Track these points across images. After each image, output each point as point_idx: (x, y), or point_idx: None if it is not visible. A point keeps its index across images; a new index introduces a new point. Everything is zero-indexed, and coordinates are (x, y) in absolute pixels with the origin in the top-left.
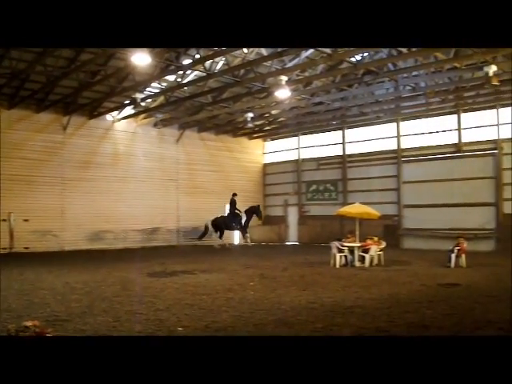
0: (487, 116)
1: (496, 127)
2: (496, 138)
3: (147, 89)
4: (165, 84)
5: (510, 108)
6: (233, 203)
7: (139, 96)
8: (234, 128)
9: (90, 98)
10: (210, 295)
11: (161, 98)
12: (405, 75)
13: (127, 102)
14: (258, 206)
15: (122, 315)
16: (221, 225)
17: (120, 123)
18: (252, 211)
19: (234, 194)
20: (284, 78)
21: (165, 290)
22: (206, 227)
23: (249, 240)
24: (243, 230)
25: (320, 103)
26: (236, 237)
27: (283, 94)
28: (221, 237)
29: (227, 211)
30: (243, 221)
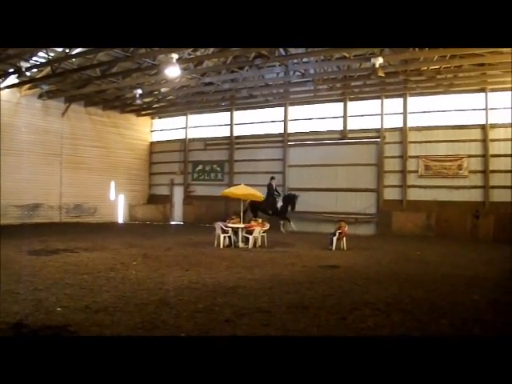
0: (372, 106)
1: (380, 117)
2: (379, 127)
3: (33, 58)
4: (52, 54)
5: (393, 99)
6: (270, 187)
7: (24, 65)
8: (122, 104)
9: None
10: (92, 274)
11: (47, 69)
12: (295, 61)
13: (11, 70)
14: (296, 196)
15: None
16: (257, 208)
17: (2, 92)
18: (289, 200)
19: (272, 178)
20: (175, 56)
21: (44, 269)
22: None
23: (290, 227)
24: (280, 215)
25: (210, 83)
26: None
27: (173, 72)
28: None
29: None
30: (279, 205)
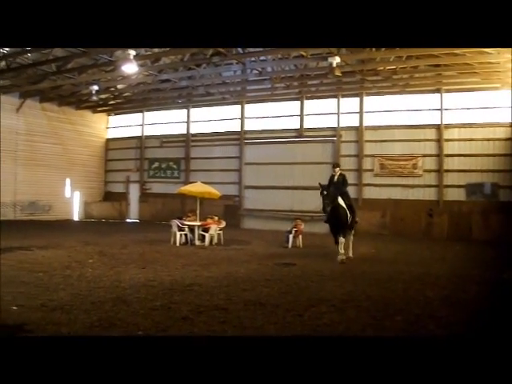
0: (329, 105)
1: (336, 116)
2: (336, 126)
3: None
4: (7, 48)
5: (350, 98)
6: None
7: None
8: (78, 100)
9: None
10: (47, 272)
11: (2, 63)
12: (252, 59)
13: None
14: None
15: None
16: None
17: None
18: None
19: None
20: (132, 53)
21: None
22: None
23: None
24: None
25: (167, 80)
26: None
27: (130, 68)
28: None
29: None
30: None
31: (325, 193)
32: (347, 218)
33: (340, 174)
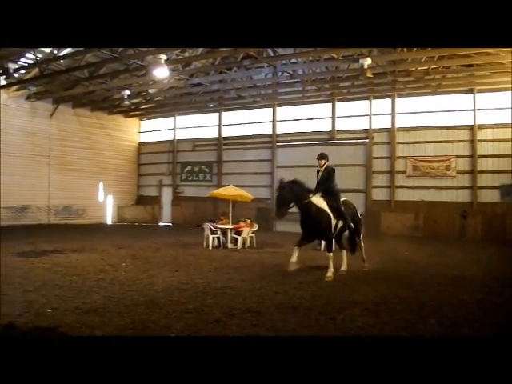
0: (360, 106)
1: (368, 117)
2: (367, 127)
3: (21, 59)
4: (40, 55)
5: (381, 100)
6: None
7: (12, 66)
8: (110, 105)
9: None
10: (81, 276)
11: (35, 70)
12: (283, 62)
13: None
14: None
15: None
16: None
17: None
18: None
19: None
20: (163, 57)
21: (34, 271)
22: None
23: None
24: None
25: (198, 84)
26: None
27: (162, 73)
28: None
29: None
30: None
31: (276, 194)
32: (329, 224)
33: (325, 169)
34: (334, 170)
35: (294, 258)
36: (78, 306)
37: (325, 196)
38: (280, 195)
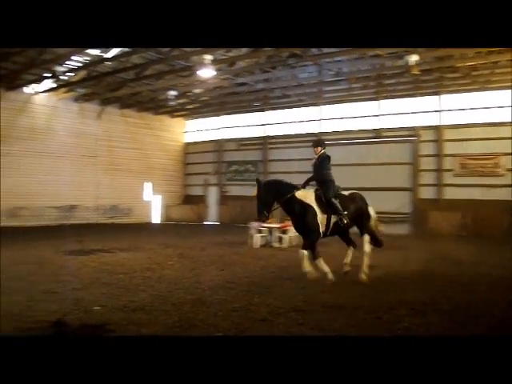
0: (406, 104)
1: (414, 115)
2: (414, 125)
3: (68, 62)
4: (87, 58)
5: (428, 97)
6: None
7: (60, 69)
8: (156, 106)
9: (7, 69)
10: (128, 274)
11: (82, 72)
12: (328, 60)
13: (47, 74)
14: None
15: (37, 294)
16: None
17: (39, 96)
18: None
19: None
20: (208, 57)
21: (82, 269)
22: None
23: None
24: None
25: (243, 84)
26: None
27: (207, 73)
28: None
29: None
30: None
31: (254, 193)
32: (314, 221)
33: (320, 156)
34: (328, 157)
35: (308, 267)
36: (125, 304)
37: (317, 186)
38: (257, 197)
